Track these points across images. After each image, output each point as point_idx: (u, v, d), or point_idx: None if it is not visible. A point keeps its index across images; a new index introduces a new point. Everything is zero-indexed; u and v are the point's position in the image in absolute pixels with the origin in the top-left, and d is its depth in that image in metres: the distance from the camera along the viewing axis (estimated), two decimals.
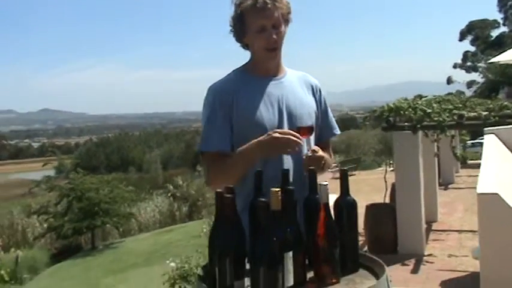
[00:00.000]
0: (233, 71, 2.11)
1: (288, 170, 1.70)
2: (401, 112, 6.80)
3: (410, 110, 6.77)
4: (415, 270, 6.35)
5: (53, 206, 15.38)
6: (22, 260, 10.99)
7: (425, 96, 7.56)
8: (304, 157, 1.94)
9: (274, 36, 1.97)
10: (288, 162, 1.95)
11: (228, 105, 1.98)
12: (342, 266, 1.61)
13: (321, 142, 2.19)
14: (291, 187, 1.59)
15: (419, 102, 7.11)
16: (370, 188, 12.22)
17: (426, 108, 6.63)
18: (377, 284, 1.42)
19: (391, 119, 6.86)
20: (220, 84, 2.06)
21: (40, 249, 12.98)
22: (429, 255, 6.83)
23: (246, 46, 2.08)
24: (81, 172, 15.67)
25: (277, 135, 1.85)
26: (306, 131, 1.94)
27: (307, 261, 1.60)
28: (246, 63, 2.12)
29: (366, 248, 7.51)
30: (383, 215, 7.30)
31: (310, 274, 1.60)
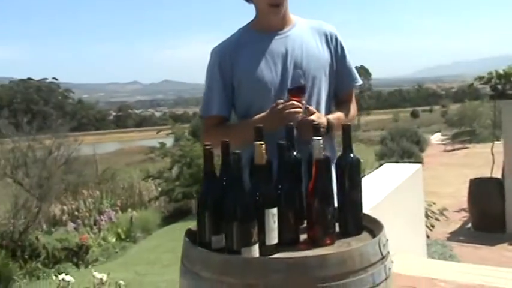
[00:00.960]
0: (239, 29, 2.04)
1: (292, 125, 1.61)
2: None
3: None
4: None
5: (166, 171, 16.15)
6: (136, 220, 11.76)
7: None
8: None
9: None
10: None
11: (227, 69, 1.94)
12: (343, 228, 1.52)
13: (341, 95, 2.06)
14: (282, 141, 1.51)
15: None
16: (483, 161, 11.43)
17: None
18: (364, 246, 1.30)
19: (499, 86, 6.31)
20: (220, 46, 2.01)
21: (153, 211, 13.84)
22: None
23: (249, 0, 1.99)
24: (191, 140, 16.39)
25: (279, 107, 1.78)
26: (296, 92, 1.82)
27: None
28: (252, 19, 2.03)
29: (469, 225, 7.06)
30: (489, 190, 6.79)
31: None
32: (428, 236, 5.51)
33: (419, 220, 4.73)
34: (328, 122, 1.89)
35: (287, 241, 1.42)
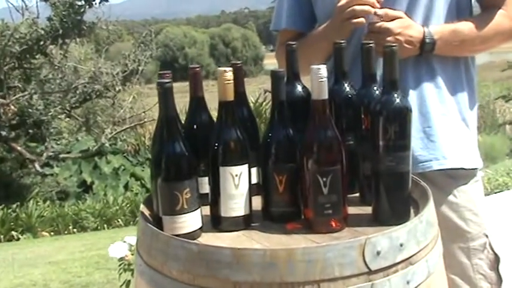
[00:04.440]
0: None
1: (342, 44, 1.08)
2: None
3: None
4: None
5: None
6: (481, 145, 10.98)
7: None
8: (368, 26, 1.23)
9: None
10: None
11: None
12: (373, 211, 0.98)
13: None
14: (280, 70, 0.99)
15: None
16: None
17: None
18: (325, 247, 0.81)
19: None
20: None
21: (502, 137, 12.56)
22: None
23: None
24: None
25: (339, 4, 1.23)
26: None
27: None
28: None
29: None
30: None
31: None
32: None
33: None
34: (425, 36, 1.22)
35: (273, 216, 0.99)
